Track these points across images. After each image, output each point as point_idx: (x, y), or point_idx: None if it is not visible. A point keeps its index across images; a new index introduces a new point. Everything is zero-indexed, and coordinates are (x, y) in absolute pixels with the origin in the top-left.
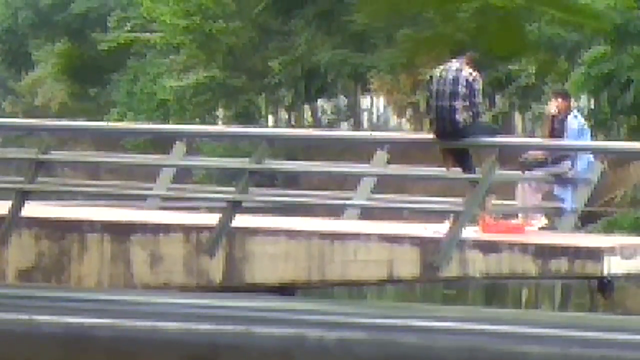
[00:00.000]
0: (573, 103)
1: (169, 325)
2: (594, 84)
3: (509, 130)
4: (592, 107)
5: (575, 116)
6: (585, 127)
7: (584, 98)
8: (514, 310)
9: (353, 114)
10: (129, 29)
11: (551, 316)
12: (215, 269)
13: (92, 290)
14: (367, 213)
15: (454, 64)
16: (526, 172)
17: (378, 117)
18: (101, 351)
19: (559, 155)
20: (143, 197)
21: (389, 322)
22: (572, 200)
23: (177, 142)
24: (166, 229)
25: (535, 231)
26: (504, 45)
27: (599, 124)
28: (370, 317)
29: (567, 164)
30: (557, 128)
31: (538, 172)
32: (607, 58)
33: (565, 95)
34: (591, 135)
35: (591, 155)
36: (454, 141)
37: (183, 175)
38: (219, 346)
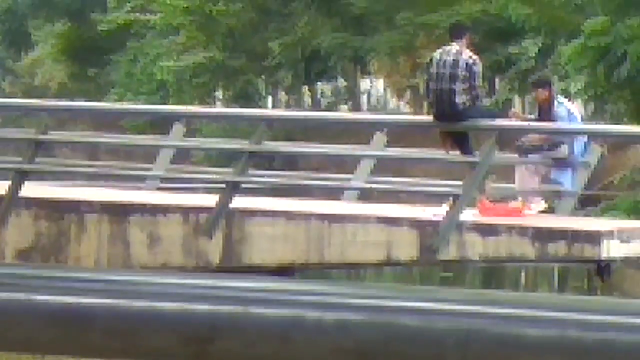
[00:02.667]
0: (564, 82)
1: (167, 305)
2: (591, 57)
3: (508, 113)
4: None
5: (561, 103)
6: (574, 111)
7: (580, 77)
8: (511, 293)
9: (352, 97)
10: (129, 9)
11: (548, 298)
12: (213, 250)
13: (91, 270)
14: (365, 195)
15: (454, 46)
16: (523, 156)
17: (377, 99)
18: (99, 331)
19: (555, 141)
20: (142, 178)
21: (388, 304)
22: (570, 184)
23: (176, 123)
24: (164, 210)
25: (533, 214)
26: None
27: (595, 98)
28: (368, 298)
29: (564, 148)
30: (544, 118)
31: (536, 156)
32: (605, 31)
33: (545, 85)
34: (586, 112)
35: (586, 139)
36: (453, 124)
37: (182, 156)
38: (217, 326)
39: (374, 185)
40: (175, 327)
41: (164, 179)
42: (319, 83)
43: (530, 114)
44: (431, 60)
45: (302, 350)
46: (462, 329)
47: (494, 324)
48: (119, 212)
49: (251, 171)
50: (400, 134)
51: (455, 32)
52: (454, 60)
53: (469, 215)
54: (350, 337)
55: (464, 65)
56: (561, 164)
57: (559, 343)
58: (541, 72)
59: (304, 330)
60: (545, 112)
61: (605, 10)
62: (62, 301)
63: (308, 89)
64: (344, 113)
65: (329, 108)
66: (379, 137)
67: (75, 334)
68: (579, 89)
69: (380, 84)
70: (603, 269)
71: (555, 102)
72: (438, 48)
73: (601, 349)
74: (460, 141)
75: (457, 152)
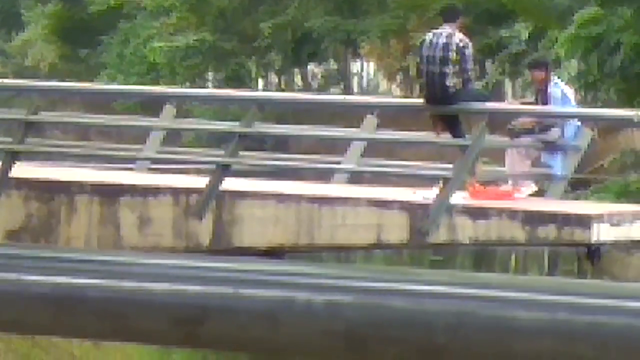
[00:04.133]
0: (557, 70)
1: (157, 286)
2: (583, 46)
3: (499, 96)
4: (580, 69)
5: (556, 83)
6: (569, 93)
7: (573, 62)
8: (501, 275)
9: (343, 79)
10: None
11: (539, 281)
12: (204, 232)
13: (82, 250)
14: (356, 178)
15: (446, 29)
16: (514, 139)
17: (368, 82)
18: (89, 311)
19: (546, 124)
20: (132, 159)
21: (377, 286)
22: (561, 168)
23: (166, 104)
24: (155, 191)
25: (524, 198)
26: None
27: (587, 87)
28: (358, 280)
29: (555, 131)
30: (539, 99)
31: (527, 139)
32: (597, 20)
33: (542, 66)
34: (578, 99)
35: (579, 123)
36: (444, 107)
37: (172, 137)
38: (207, 308)
39: (364, 168)
40: (165, 308)
41: (154, 160)
42: (310, 65)
43: (523, 97)
44: (422, 42)
45: (292, 332)
46: (452, 312)
47: (484, 307)
48: (109, 193)
49: (242, 153)
50: (391, 116)
51: (447, 15)
52: (445, 43)
53: (459, 198)
54: (340, 319)
55: (455, 48)
56: (552, 147)
57: (550, 326)
58: (532, 55)
59: (293, 312)
60: (542, 93)
61: (599, 1)
62: (53, 281)
63: (299, 71)
64: (335, 95)
65: (320, 90)
66: (370, 120)
67: (65, 315)
68: (571, 76)
69: (371, 66)
70: (593, 253)
71: (551, 83)
72: (429, 31)
73: (591, 331)
74: (451, 124)
75: (448, 135)
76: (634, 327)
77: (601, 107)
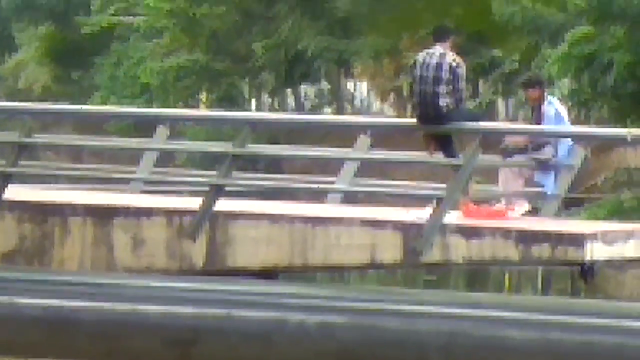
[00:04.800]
0: (551, 88)
1: (150, 308)
2: (575, 65)
3: (492, 116)
4: (573, 88)
5: (550, 102)
6: (562, 112)
7: (565, 81)
8: (494, 295)
9: (336, 99)
10: (113, 12)
11: (532, 300)
12: (197, 253)
13: (74, 272)
14: (349, 198)
15: (438, 49)
16: (507, 158)
17: (361, 102)
18: (83, 333)
19: (539, 142)
20: (126, 181)
21: (371, 306)
22: (554, 186)
23: (159, 125)
24: (148, 212)
25: (517, 217)
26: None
27: (580, 105)
28: (351, 301)
29: (548, 150)
30: (534, 117)
31: (520, 158)
32: (589, 39)
33: (535, 85)
34: (571, 117)
35: (572, 141)
36: (436, 126)
37: (166, 159)
38: (199, 329)
39: (357, 188)
40: (158, 330)
41: (147, 182)
42: (302, 86)
43: (516, 117)
44: (415, 62)
45: (285, 353)
46: (445, 331)
47: (477, 326)
48: (102, 214)
49: (235, 174)
50: (384, 136)
51: (439, 35)
52: (437, 62)
53: (452, 217)
54: (333, 340)
55: (448, 68)
56: (545, 166)
57: (543, 345)
58: (525, 74)
59: (286, 333)
60: (536, 112)
61: (591, 20)
62: (46, 304)
63: (292, 92)
64: (327, 116)
65: (312, 111)
66: (363, 140)
67: (58, 336)
68: (563, 95)
69: (364, 86)
70: (587, 272)
71: (545, 102)
72: (422, 51)
73: (585, 351)
74: (444, 144)
75: (441, 155)
76: (627, 346)
77: (594, 125)
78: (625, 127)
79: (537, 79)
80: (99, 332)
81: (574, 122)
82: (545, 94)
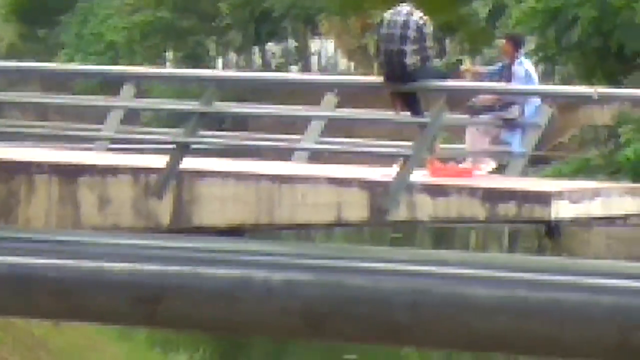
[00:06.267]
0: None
1: (115, 265)
2: (540, 20)
3: (458, 74)
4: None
5: (521, 62)
6: (533, 73)
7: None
8: (460, 252)
9: (302, 58)
10: None
11: (497, 258)
12: (163, 211)
13: (38, 230)
14: (316, 156)
15: (405, 7)
16: (474, 117)
17: (327, 60)
18: (47, 291)
19: (507, 101)
20: (92, 139)
21: (336, 264)
22: (520, 145)
23: (125, 84)
24: (114, 171)
25: (483, 175)
26: None
27: (546, 60)
28: (316, 258)
29: (515, 108)
30: (504, 76)
31: (487, 117)
32: None
33: (516, 41)
34: (537, 72)
35: (539, 100)
36: (403, 85)
37: (132, 117)
38: (164, 287)
39: (324, 146)
40: (123, 287)
41: (113, 140)
42: (269, 44)
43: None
44: (382, 20)
45: (250, 310)
46: (411, 289)
47: (443, 284)
48: (69, 173)
49: (201, 132)
50: (350, 95)
51: None
52: (404, 21)
53: (419, 176)
54: (298, 297)
55: (415, 26)
56: (511, 124)
57: (508, 302)
58: (491, 32)
59: (251, 290)
60: (507, 69)
61: None
62: (10, 261)
63: (258, 50)
64: (294, 74)
65: (279, 69)
66: (329, 98)
67: (23, 294)
68: (529, 50)
69: (330, 45)
70: (553, 230)
71: (516, 62)
72: (389, 8)
73: (550, 307)
74: (411, 102)
75: (408, 113)
76: (591, 303)
77: (560, 80)
78: (590, 83)
79: (517, 36)
80: (63, 290)
81: (539, 78)
82: (518, 53)
